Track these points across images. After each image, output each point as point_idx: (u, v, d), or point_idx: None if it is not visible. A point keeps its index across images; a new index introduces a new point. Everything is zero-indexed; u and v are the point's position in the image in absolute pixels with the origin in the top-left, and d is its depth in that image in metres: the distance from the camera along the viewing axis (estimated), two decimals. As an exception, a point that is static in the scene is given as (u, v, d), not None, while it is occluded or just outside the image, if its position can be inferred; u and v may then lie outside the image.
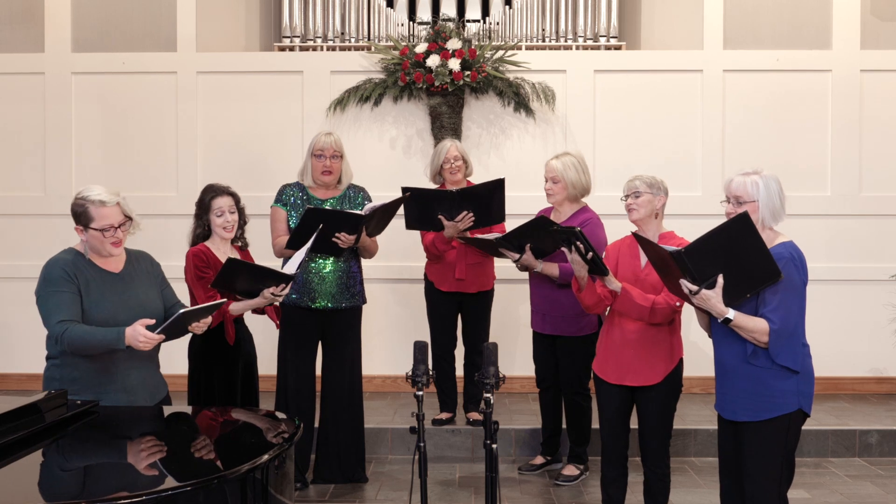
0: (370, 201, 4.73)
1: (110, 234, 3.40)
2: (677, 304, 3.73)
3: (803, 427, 3.40)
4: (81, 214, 3.43)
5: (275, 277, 4.04)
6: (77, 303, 3.34)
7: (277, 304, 4.33)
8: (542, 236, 4.45)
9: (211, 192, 4.26)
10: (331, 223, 4.40)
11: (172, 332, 3.42)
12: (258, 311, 4.32)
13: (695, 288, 3.21)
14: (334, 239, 4.44)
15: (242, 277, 4.00)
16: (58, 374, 3.41)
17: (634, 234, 3.65)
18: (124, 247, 3.54)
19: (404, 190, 4.84)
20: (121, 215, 3.43)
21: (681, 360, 3.91)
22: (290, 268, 4.14)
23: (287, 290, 4.09)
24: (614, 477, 4.02)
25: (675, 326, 3.92)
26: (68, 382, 3.36)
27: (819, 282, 6.13)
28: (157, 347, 3.58)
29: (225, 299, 3.89)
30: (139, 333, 3.24)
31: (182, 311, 3.35)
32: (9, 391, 6.12)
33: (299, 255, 4.21)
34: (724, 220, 3.29)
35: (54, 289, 3.34)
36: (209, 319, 3.61)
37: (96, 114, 6.49)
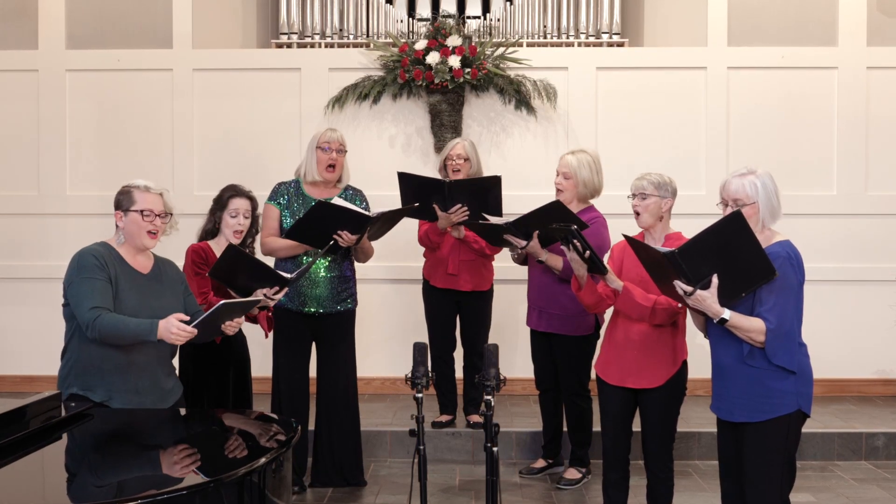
0: (367, 204, 4.70)
1: (150, 218, 3.43)
2: (678, 305, 3.66)
3: (809, 430, 3.38)
4: (124, 199, 3.46)
5: (272, 278, 3.96)
6: (109, 291, 3.35)
7: (270, 308, 4.25)
8: (552, 223, 4.33)
9: (231, 191, 4.30)
10: (336, 220, 4.35)
11: (207, 330, 3.42)
12: (250, 318, 4.26)
13: (689, 289, 3.19)
14: (335, 236, 4.37)
15: (240, 268, 3.93)
16: (73, 370, 3.41)
17: (626, 238, 3.61)
18: (153, 253, 3.58)
19: (400, 175, 4.85)
20: (162, 206, 3.48)
21: (684, 363, 3.87)
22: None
23: (280, 295, 4.00)
24: (615, 480, 3.98)
25: (679, 329, 3.87)
26: (82, 379, 3.38)
27: (825, 282, 6.10)
28: (173, 352, 3.62)
29: (261, 297, 3.87)
30: (173, 325, 3.25)
31: (223, 302, 3.37)
32: (3, 393, 6.08)
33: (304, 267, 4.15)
34: None
35: (87, 275, 3.34)
36: (242, 320, 3.62)
37: (91, 112, 6.43)
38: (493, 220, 4.68)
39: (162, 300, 3.49)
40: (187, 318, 3.32)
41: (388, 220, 4.57)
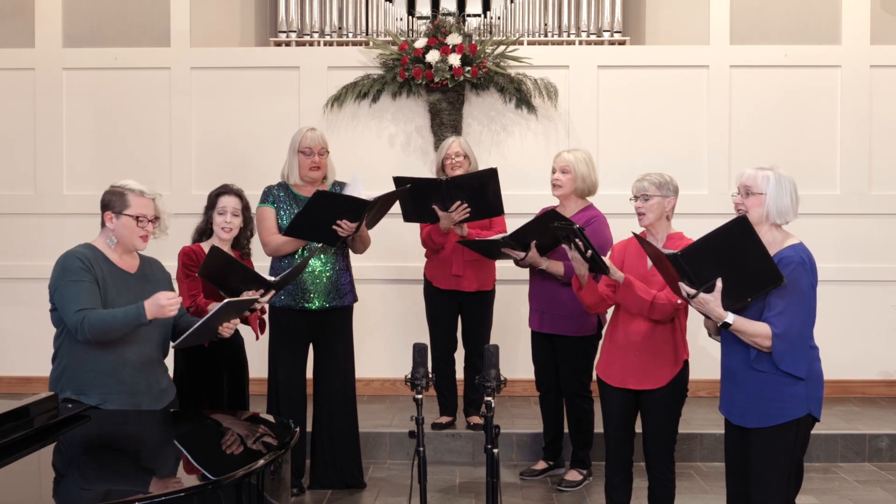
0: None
1: (143, 223, 3.42)
2: (678, 301, 3.65)
3: (812, 431, 3.36)
4: (117, 200, 3.42)
5: (258, 282, 3.93)
6: (96, 292, 3.32)
7: (258, 312, 4.21)
8: (548, 231, 4.34)
9: (219, 189, 4.27)
10: (335, 209, 4.31)
11: (205, 331, 3.42)
12: (242, 320, 4.20)
13: (692, 291, 3.17)
14: (335, 227, 4.33)
15: (225, 271, 3.89)
16: (64, 374, 3.38)
17: (635, 236, 3.58)
18: (137, 252, 3.56)
19: (396, 180, 4.79)
20: (154, 211, 3.47)
21: (686, 364, 3.84)
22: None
23: (268, 298, 3.97)
24: (618, 482, 3.95)
25: (681, 329, 3.84)
26: (74, 382, 3.34)
27: (828, 282, 6.02)
28: (165, 352, 3.59)
29: (258, 295, 3.84)
30: (161, 298, 3.25)
31: (228, 300, 3.39)
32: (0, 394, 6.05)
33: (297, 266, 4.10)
34: (731, 216, 3.21)
35: (73, 278, 3.31)
36: (237, 321, 3.61)
37: (88, 111, 6.39)
38: (489, 238, 4.71)
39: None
40: (172, 294, 3.32)
41: (383, 206, 4.53)
